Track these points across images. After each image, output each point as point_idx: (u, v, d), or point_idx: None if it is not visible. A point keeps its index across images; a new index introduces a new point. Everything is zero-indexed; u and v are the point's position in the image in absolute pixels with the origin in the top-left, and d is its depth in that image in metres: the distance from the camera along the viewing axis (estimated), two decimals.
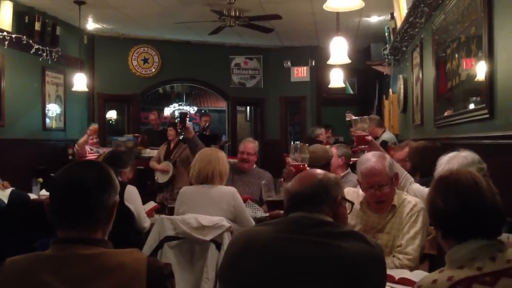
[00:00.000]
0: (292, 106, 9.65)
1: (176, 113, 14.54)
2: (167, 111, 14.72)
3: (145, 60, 8.63)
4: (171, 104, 15.23)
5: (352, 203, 1.80)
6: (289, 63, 9.22)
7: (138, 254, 1.37)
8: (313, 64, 9.07)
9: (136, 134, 7.59)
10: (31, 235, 4.43)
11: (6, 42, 5.65)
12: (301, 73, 9.23)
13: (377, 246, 1.55)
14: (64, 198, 1.34)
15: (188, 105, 15.55)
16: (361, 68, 8.39)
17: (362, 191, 2.41)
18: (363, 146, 2.80)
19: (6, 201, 4.64)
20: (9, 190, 4.77)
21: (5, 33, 5.63)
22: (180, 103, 15.43)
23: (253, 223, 3.10)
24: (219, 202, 3.06)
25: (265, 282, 1.48)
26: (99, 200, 1.35)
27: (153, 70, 8.70)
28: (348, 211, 1.75)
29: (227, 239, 2.86)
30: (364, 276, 1.46)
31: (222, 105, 13.74)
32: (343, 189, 1.74)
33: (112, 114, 11.51)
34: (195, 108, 15.69)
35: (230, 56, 9.25)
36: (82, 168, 1.40)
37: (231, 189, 3.16)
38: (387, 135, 5.70)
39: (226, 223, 2.89)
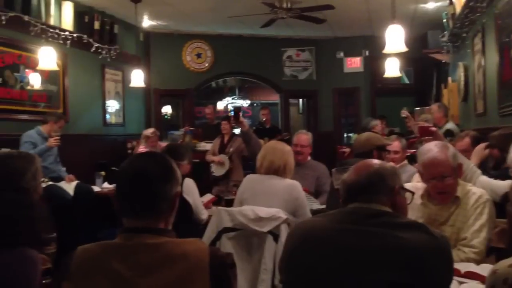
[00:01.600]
0: (346, 97, 9.51)
1: (230, 107, 14.70)
2: (221, 105, 14.88)
3: (199, 55, 8.77)
4: (224, 98, 15.38)
5: (413, 193, 1.76)
6: (342, 54, 9.09)
7: (201, 243, 1.40)
8: (367, 54, 8.90)
9: (191, 128, 7.72)
10: (95, 226, 4.64)
11: (69, 42, 5.90)
12: (354, 63, 9.08)
13: (441, 238, 1.51)
14: (129, 189, 1.39)
15: (241, 98, 15.65)
16: (417, 56, 8.13)
17: (424, 182, 2.34)
18: (427, 138, 2.70)
19: (72, 193, 4.87)
20: (74, 183, 5.01)
21: (67, 33, 5.89)
22: (233, 97, 15.55)
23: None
24: (282, 194, 3.08)
25: (324, 273, 1.48)
26: (162, 191, 1.39)
27: (206, 65, 8.83)
28: (408, 202, 1.72)
29: (284, 231, 2.86)
30: (427, 268, 1.42)
31: (274, 98, 13.71)
32: (401, 179, 1.70)
33: (167, 109, 11.79)
34: (248, 102, 15.77)
35: (282, 49, 9.22)
36: (146, 160, 1.45)
37: (296, 183, 3.18)
38: (451, 125, 5.48)
39: (283, 215, 2.90)
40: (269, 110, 8.08)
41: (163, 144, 6.63)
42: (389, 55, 5.39)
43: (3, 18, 4.87)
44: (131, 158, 1.48)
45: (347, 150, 7.33)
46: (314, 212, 3.19)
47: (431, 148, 2.29)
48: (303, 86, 9.41)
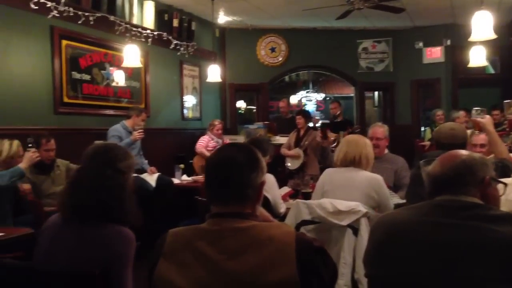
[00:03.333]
0: (424, 89, 9.15)
1: (304, 101, 14.63)
2: (294, 99, 14.88)
3: (273, 49, 8.80)
4: (298, 92, 15.36)
5: (505, 184, 1.66)
6: (421, 43, 8.75)
7: (287, 228, 1.43)
8: (448, 43, 8.50)
9: (266, 122, 7.81)
10: (175, 216, 4.82)
11: (150, 40, 6.16)
12: (434, 54, 8.70)
13: None
14: (216, 176, 1.44)
15: (315, 92, 15.55)
16: (504, 44, 7.66)
17: None
18: None
19: (154, 184, 5.09)
20: (156, 175, 5.23)
21: (148, 31, 6.15)
22: (307, 91, 15.48)
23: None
24: (363, 187, 3.04)
25: (411, 267, 1.43)
26: (248, 179, 1.42)
27: (280, 59, 8.84)
28: (500, 193, 1.62)
29: (364, 225, 2.82)
30: None
31: (348, 91, 13.48)
32: (491, 169, 1.61)
33: (240, 104, 11.99)
34: (322, 95, 15.63)
35: (358, 41, 9.04)
36: (233, 149, 1.50)
37: (378, 177, 3.13)
38: None
39: (363, 209, 2.85)
40: (338, 103, 7.97)
41: (227, 138, 6.81)
42: (474, 43, 5.11)
43: (91, 18, 5.17)
44: (219, 148, 1.55)
45: (427, 143, 7.07)
46: (396, 207, 3.11)
47: None
48: (379, 78, 9.17)
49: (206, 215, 1.45)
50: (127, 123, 5.27)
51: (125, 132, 5.20)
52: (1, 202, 3.65)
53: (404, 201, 3.39)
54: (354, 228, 2.84)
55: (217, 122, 6.73)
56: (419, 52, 8.80)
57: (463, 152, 1.64)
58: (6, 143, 3.74)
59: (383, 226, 1.57)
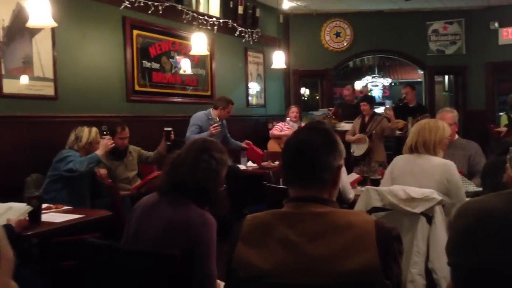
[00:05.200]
0: (500, 72, 8.63)
1: (370, 86, 14.26)
2: (359, 85, 14.56)
3: (337, 34, 8.63)
4: (363, 77, 15.01)
5: None
6: (496, 24, 8.25)
7: (366, 215, 1.42)
8: None
9: (330, 108, 7.71)
10: (241, 202, 4.88)
11: (216, 27, 6.23)
12: (511, 34, 8.18)
13: None
14: (293, 159, 1.44)
15: (381, 77, 15.14)
16: None
17: None
18: None
19: None
20: None
21: (214, 19, 6.22)
22: (372, 76, 15.10)
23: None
24: (434, 174, 2.92)
25: (504, 256, 1.35)
26: (325, 161, 1.40)
27: (345, 44, 8.65)
28: None
29: (438, 213, 2.72)
30: None
31: (416, 76, 13.05)
32: None
33: (303, 90, 11.91)
34: (389, 80, 15.20)
35: (427, 22, 8.65)
36: (310, 132, 1.48)
37: (448, 163, 2.98)
38: None
39: (437, 196, 2.74)
40: (410, 88, 7.68)
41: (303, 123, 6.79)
42: None
43: (160, 8, 5.30)
44: (296, 130, 1.55)
45: (503, 129, 6.71)
46: (473, 195, 2.97)
47: None
48: (451, 61, 8.74)
49: (284, 200, 1.44)
50: (213, 112, 5.35)
51: (207, 121, 5.26)
52: (81, 186, 3.86)
53: (480, 188, 3.24)
54: (428, 216, 2.75)
55: (293, 107, 6.97)
56: (494, 33, 8.30)
57: None
58: (85, 129, 3.93)
59: (471, 214, 1.49)
